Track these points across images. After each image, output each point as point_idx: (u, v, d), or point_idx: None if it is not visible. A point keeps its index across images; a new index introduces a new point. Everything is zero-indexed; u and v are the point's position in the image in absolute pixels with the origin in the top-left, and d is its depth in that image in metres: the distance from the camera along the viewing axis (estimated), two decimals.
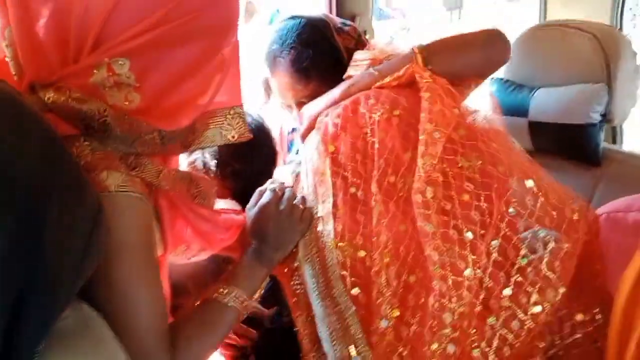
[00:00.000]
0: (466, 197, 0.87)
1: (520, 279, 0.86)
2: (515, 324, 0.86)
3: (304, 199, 1.00)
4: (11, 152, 0.60)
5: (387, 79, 1.03)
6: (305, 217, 0.99)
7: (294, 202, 0.99)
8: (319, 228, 0.95)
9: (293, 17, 1.22)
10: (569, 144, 1.54)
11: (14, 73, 0.80)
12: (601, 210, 1.02)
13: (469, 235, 0.85)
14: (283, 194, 1.01)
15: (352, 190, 0.94)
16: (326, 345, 0.92)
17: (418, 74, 1.00)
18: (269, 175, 1.20)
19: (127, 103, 0.79)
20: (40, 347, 0.62)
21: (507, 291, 0.87)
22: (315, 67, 1.16)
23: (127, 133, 0.79)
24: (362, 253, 0.90)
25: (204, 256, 1.05)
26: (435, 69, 1.01)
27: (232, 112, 0.88)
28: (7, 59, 0.80)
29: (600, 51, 1.52)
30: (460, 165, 0.89)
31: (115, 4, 0.76)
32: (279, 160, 1.57)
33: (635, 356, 0.81)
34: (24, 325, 0.59)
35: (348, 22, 1.26)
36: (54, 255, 0.61)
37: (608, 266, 0.93)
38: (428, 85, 0.96)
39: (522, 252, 0.87)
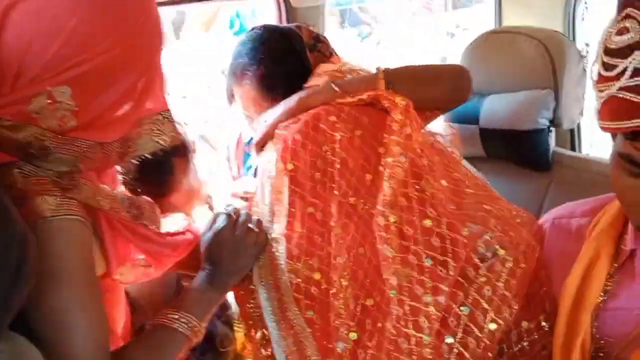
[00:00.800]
0: (428, 222, 0.87)
1: (477, 297, 0.87)
2: (471, 342, 0.87)
3: (259, 222, 0.98)
4: None
5: (348, 99, 1.02)
6: (260, 240, 0.97)
7: (249, 226, 0.98)
8: (274, 249, 0.94)
9: (265, 29, 1.18)
10: (519, 150, 1.57)
11: None
12: (546, 216, 1.04)
13: (428, 261, 0.85)
14: (238, 217, 0.99)
15: (310, 210, 0.93)
16: None
17: (386, 98, 0.98)
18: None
19: (61, 125, 0.77)
20: None
21: (464, 309, 0.87)
22: (283, 85, 1.12)
23: (69, 152, 0.78)
24: (317, 275, 0.89)
25: (155, 274, 1.01)
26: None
27: (160, 117, 0.88)
28: None
29: (547, 57, 1.55)
30: (424, 190, 0.89)
31: (60, 38, 0.75)
32: (233, 170, 1.53)
33: None
34: None
35: (321, 36, 1.22)
36: None
37: (553, 272, 0.95)
38: (403, 107, 0.95)
39: (481, 271, 0.87)
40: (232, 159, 1.55)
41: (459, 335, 0.86)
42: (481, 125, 1.57)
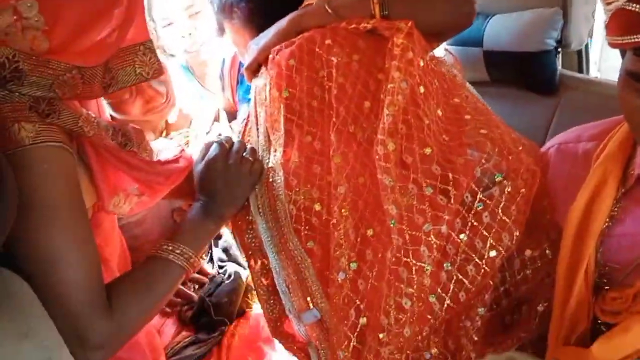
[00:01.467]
0: (428, 150, 0.84)
1: (476, 223, 0.85)
2: (470, 269, 0.86)
3: (253, 150, 0.96)
4: None
5: (343, 24, 0.95)
6: (255, 169, 0.94)
7: (243, 155, 0.95)
8: (271, 179, 0.91)
9: None
10: (525, 73, 1.52)
11: None
12: (552, 141, 1.01)
13: (429, 190, 0.83)
14: (231, 146, 0.96)
15: (308, 139, 0.89)
16: (283, 297, 0.92)
17: (386, 28, 0.92)
18: None
19: (33, 48, 0.73)
20: None
21: (463, 237, 0.86)
22: (273, 20, 1.04)
23: (44, 75, 0.74)
24: (317, 206, 0.87)
25: (150, 203, 0.99)
26: (391, 18, 0.93)
27: (142, 48, 0.85)
28: None
29: None
30: (423, 118, 0.85)
31: None
32: (227, 92, 1.49)
33: (583, 288, 0.83)
34: None
35: None
36: None
37: (558, 199, 0.93)
38: (406, 31, 0.89)
39: (479, 197, 0.85)
40: (226, 79, 1.51)
41: (458, 262, 0.86)
42: (485, 47, 1.51)
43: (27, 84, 0.74)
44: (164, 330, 1.25)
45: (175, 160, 0.99)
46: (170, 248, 0.88)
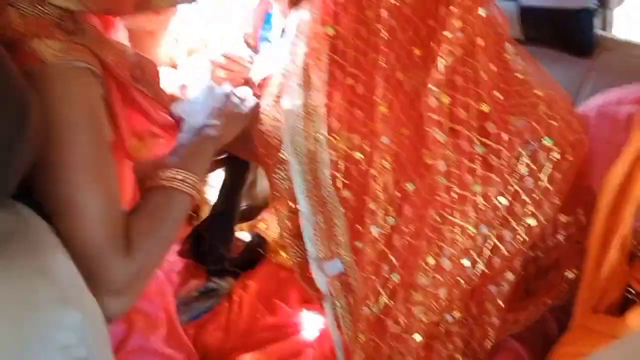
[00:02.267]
0: (485, 107, 0.78)
1: (518, 189, 0.81)
2: (507, 235, 0.83)
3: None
4: None
5: None
6: (249, 106, 0.97)
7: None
8: (312, 118, 0.85)
9: None
10: (562, 31, 1.45)
11: None
12: (592, 103, 0.97)
13: (481, 149, 0.78)
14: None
15: (349, 82, 0.83)
16: (309, 244, 0.88)
17: None
18: None
19: None
20: None
21: (503, 200, 0.81)
22: None
23: None
24: (357, 154, 0.82)
25: (168, 146, 0.94)
26: None
27: None
28: None
29: None
30: (479, 71, 0.79)
31: None
32: (251, 34, 1.42)
33: (616, 258, 0.81)
34: None
35: None
36: None
37: (596, 163, 0.89)
38: None
39: (525, 160, 0.80)
40: (250, 15, 1.43)
41: (496, 227, 0.82)
42: (522, 2, 1.44)
43: None
44: (171, 276, 1.21)
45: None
46: (171, 176, 0.81)
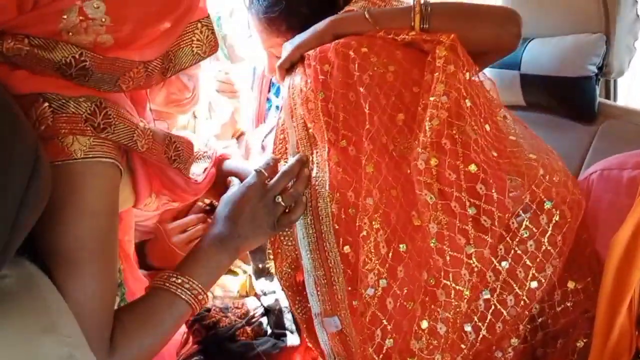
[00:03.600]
0: (473, 168, 0.78)
1: (519, 252, 0.80)
2: (510, 299, 0.81)
3: (297, 189, 0.89)
4: None
5: (381, 34, 0.92)
6: (294, 217, 0.88)
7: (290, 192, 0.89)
8: (314, 175, 0.87)
9: None
10: (563, 99, 1.46)
11: None
12: (594, 167, 0.97)
13: (472, 210, 0.77)
14: (270, 175, 0.90)
15: (343, 143, 0.85)
16: (311, 299, 0.87)
17: (427, 41, 0.89)
18: None
19: (96, 44, 0.70)
20: None
21: (505, 264, 0.81)
22: (289, 19, 1.04)
23: (110, 72, 0.72)
24: (352, 211, 0.82)
25: (175, 206, 0.98)
26: (430, 32, 0.90)
27: (199, 25, 0.81)
28: None
29: None
30: (468, 133, 0.80)
31: None
32: (258, 98, 1.47)
33: (626, 321, 0.78)
34: None
35: None
36: None
37: (599, 227, 0.89)
38: (449, 44, 0.85)
39: (525, 223, 0.80)
40: (255, 85, 1.49)
41: (497, 291, 0.80)
42: (522, 70, 1.46)
43: (92, 80, 0.71)
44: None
45: (206, 178, 0.97)
46: (179, 282, 0.80)
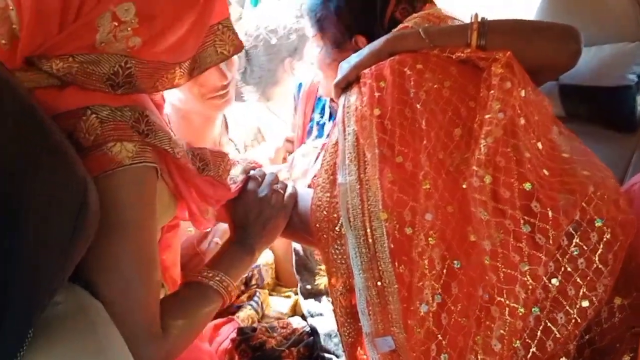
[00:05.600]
0: (528, 186, 0.79)
1: (570, 269, 0.81)
2: (560, 317, 0.81)
3: (283, 183, 1.02)
4: None
5: (435, 52, 0.92)
6: (288, 201, 1.00)
7: (275, 187, 1.01)
8: (366, 195, 0.87)
9: None
10: (603, 109, 1.46)
11: (4, 42, 0.73)
12: (636, 178, 0.95)
13: (526, 227, 0.78)
14: (263, 179, 1.02)
15: (399, 160, 0.86)
16: (362, 318, 0.88)
17: (482, 58, 0.89)
18: None
19: (128, 48, 0.75)
20: (26, 342, 0.57)
21: (555, 281, 0.81)
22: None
23: (151, 76, 0.77)
24: (409, 230, 0.83)
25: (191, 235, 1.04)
26: (487, 49, 0.90)
27: (220, 27, 0.87)
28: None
29: (637, 7, 1.41)
30: (522, 151, 0.81)
31: None
32: (302, 116, 1.49)
33: None
34: (4, 321, 0.54)
35: None
36: (32, 246, 0.55)
37: None
38: (505, 61, 0.85)
39: (575, 241, 0.80)
40: (300, 103, 1.51)
41: (547, 308, 0.81)
42: (561, 81, 1.46)
43: (135, 86, 0.76)
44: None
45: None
46: (211, 275, 0.91)
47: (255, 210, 0.99)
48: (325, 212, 0.92)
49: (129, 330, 0.72)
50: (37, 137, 0.59)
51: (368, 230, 0.85)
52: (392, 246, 0.83)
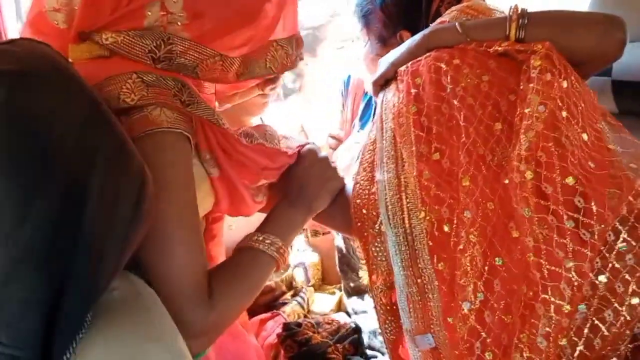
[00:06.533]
0: (570, 180, 0.77)
1: (618, 265, 0.78)
2: (608, 315, 0.78)
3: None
4: (54, 114, 0.57)
5: (472, 46, 0.92)
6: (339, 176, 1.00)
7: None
8: (404, 193, 0.88)
9: None
10: None
11: (62, 22, 0.81)
12: None
13: (570, 223, 0.76)
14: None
15: (436, 156, 0.85)
16: (402, 315, 0.88)
17: (520, 51, 0.88)
18: None
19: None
20: (85, 324, 0.60)
21: (602, 278, 0.78)
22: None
23: (191, 59, 0.80)
24: (447, 227, 0.83)
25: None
26: (526, 41, 0.88)
27: (275, 45, 0.90)
28: (51, 12, 0.81)
29: None
30: (564, 145, 0.79)
31: None
32: (349, 113, 1.50)
33: None
34: (67, 304, 0.57)
35: None
36: (96, 232, 0.58)
37: None
38: (543, 52, 0.84)
39: (623, 236, 0.77)
40: (349, 97, 1.52)
41: (594, 305, 0.78)
42: (614, 77, 1.40)
43: (175, 65, 0.79)
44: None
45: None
46: (261, 238, 0.90)
47: (317, 168, 0.98)
48: (364, 210, 0.93)
49: (173, 293, 0.74)
50: (103, 130, 0.63)
51: (407, 227, 0.85)
52: (430, 244, 0.82)
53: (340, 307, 1.46)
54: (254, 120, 1.36)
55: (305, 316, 1.40)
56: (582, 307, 0.78)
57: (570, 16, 0.93)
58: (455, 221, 0.81)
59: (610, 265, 0.78)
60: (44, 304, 0.56)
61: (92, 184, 0.58)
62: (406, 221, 0.85)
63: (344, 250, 1.38)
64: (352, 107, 1.52)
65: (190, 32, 0.79)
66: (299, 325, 1.29)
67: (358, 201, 0.94)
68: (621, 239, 0.78)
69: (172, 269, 0.76)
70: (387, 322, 0.93)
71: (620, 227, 0.78)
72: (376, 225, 0.92)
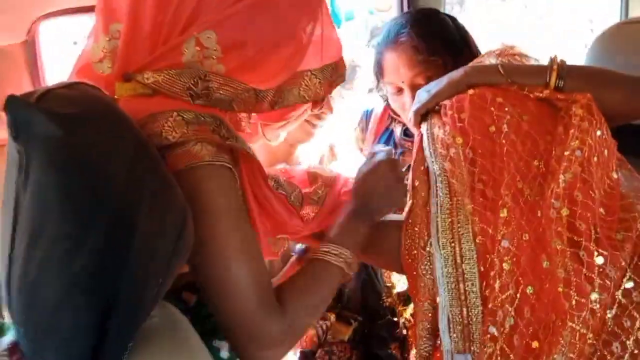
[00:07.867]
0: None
1: (624, 301, 0.85)
2: (616, 347, 0.85)
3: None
4: (106, 154, 0.62)
5: (514, 88, 0.98)
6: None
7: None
8: (456, 216, 0.91)
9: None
10: None
11: (108, 67, 0.85)
12: None
13: (600, 260, 0.83)
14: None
15: (480, 187, 0.91)
16: (443, 336, 0.91)
17: (562, 100, 0.94)
18: None
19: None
20: (127, 350, 0.64)
21: (609, 313, 0.86)
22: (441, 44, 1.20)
23: (227, 94, 0.83)
24: (490, 256, 0.88)
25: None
26: (564, 91, 0.95)
27: (309, 74, 0.94)
28: (97, 63, 0.85)
29: None
30: (595, 187, 0.87)
31: None
32: (371, 136, 1.53)
33: None
34: (113, 329, 0.61)
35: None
36: (141, 263, 0.62)
37: None
38: (585, 103, 0.91)
39: (628, 274, 0.85)
40: (370, 131, 1.54)
41: (602, 337, 0.85)
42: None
43: (212, 100, 0.82)
44: None
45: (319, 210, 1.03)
46: (326, 250, 0.92)
47: (387, 181, 1.00)
48: (417, 228, 0.96)
49: (245, 308, 0.77)
50: (149, 168, 0.67)
51: (457, 250, 0.89)
52: (481, 269, 0.87)
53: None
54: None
55: (321, 345, 1.40)
56: (589, 336, 0.84)
57: (607, 73, 1.01)
58: (493, 249, 0.87)
59: (617, 301, 0.85)
60: (92, 328, 0.60)
61: (139, 217, 0.62)
62: (456, 244, 0.90)
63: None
64: (373, 141, 1.55)
65: (225, 65, 0.82)
66: (313, 353, 1.31)
67: (411, 220, 0.98)
68: (627, 277, 0.85)
69: (239, 288, 0.78)
70: (424, 338, 0.96)
71: (625, 265, 0.85)
72: (427, 247, 0.95)
